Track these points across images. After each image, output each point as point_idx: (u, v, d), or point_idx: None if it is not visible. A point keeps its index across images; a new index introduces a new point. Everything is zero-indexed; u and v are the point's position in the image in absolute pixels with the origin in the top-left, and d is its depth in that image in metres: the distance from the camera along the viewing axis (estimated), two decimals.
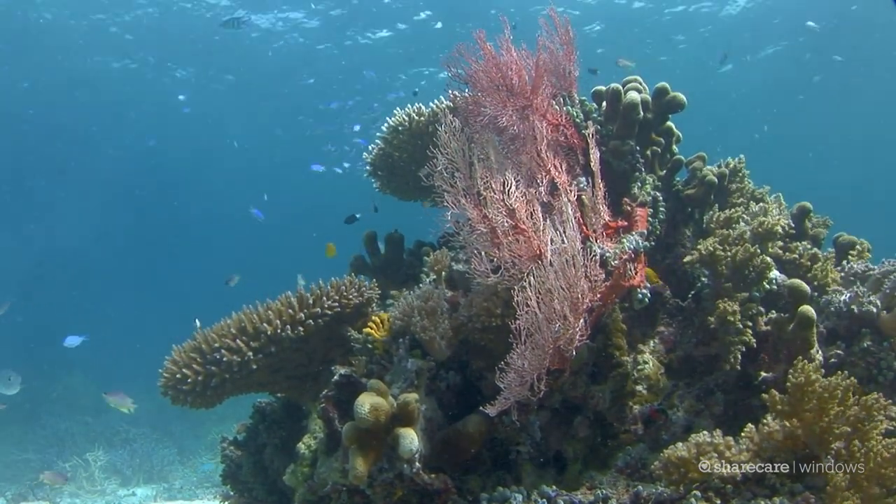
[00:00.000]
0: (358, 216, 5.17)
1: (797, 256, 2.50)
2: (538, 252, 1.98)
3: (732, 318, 2.19)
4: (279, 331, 2.39)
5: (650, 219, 2.47)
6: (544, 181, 2.17)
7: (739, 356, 2.19)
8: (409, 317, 2.25)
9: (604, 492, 1.96)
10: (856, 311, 2.26)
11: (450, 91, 2.63)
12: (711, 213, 2.70)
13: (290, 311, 2.44)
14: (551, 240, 1.92)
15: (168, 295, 20.10)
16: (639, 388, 2.28)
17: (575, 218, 2.03)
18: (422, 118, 3.00)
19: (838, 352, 2.24)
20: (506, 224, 2.04)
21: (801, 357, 1.84)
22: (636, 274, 2.20)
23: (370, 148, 3.29)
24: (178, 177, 20.42)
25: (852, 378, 1.72)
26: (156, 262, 22.70)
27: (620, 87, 2.66)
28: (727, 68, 13.69)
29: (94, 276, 20.88)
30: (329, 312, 2.46)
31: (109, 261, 21.58)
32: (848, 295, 2.32)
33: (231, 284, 6.24)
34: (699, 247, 2.40)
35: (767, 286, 2.33)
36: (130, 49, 12.42)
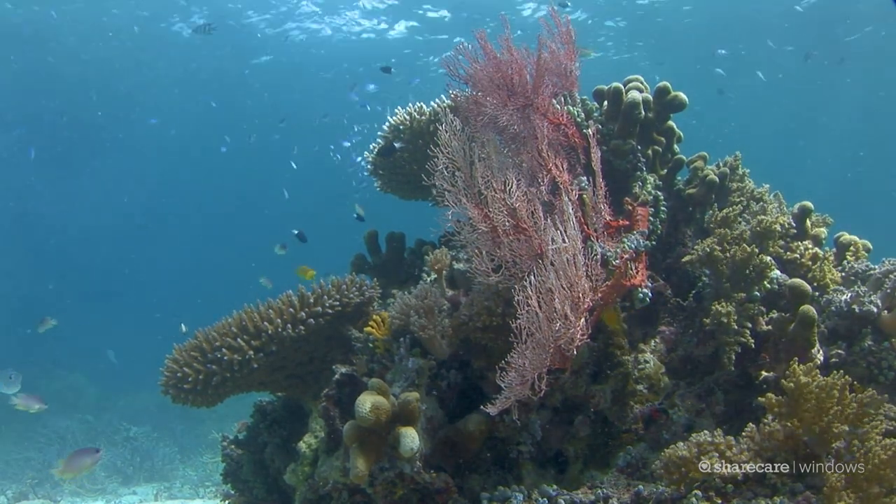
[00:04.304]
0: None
1: (798, 256, 2.50)
2: (539, 251, 1.98)
3: (727, 320, 2.20)
4: (280, 329, 2.39)
5: (651, 218, 2.47)
6: (545, 180, 2.17)
7: (734, 357, 2.20)
8: (407, 316, 2.25)
9: (605, 491, 1.96)
10: (856, 310, 2.26)
11: (450, 90, 2.63)
12: (710, 212, 2.70)
13: (292, 309, 2.44)
14: (552, 239, 1.92)
15: (170, 293, 20.07)
16: (640, 387, 2.28)
17: (576, 217, 2.03)
18: (423, 117, 3.00)
19: (839, 351, 2.24)
20: (507, 223, 2.03)
21: (795, 359, 1.85)
22: (637, 273, 2.20)
23: (371, 147, 3.29)
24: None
25: (847, 377, 1.72)
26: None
27: (622, 87, 2.66)
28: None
29: (98, 272, 20.83)
30: (330, 311, 2.46)
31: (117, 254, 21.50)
32: (849, 294, 2.32)
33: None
34: (698, 247, 2.40)
35: (768, 286, 2.33)
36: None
